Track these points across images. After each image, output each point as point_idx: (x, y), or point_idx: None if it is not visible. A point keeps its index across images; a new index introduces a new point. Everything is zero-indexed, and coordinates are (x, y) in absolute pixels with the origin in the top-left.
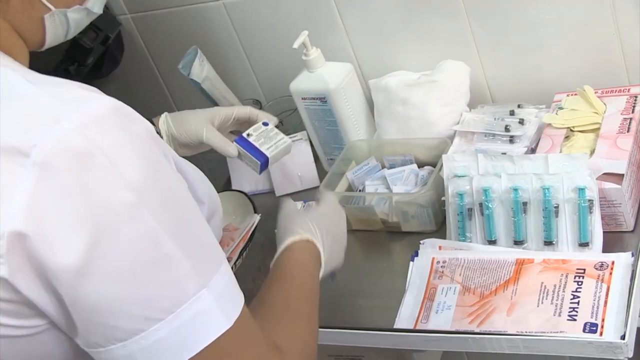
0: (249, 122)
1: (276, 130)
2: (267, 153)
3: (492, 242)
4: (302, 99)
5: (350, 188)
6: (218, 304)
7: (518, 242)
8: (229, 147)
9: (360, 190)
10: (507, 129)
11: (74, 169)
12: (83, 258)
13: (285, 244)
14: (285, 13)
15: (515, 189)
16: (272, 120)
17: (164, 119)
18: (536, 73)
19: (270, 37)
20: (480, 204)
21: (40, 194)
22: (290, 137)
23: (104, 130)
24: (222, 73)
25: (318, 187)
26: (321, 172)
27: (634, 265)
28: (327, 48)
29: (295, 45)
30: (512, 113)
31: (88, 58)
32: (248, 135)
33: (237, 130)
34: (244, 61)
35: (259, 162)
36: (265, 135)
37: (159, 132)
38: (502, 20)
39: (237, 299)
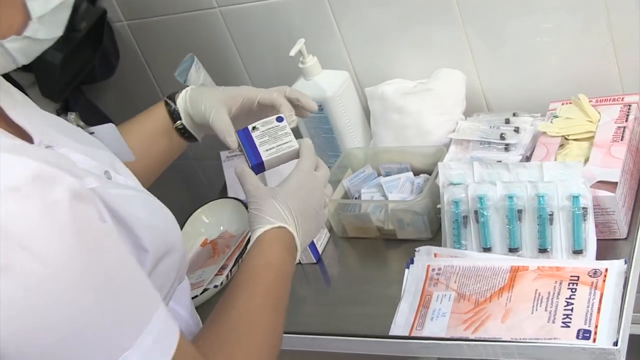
0: (274, 111)
1: (288, 130)
2: (263, 156)
3: (487, 250)
4: None
5: (346, 195)
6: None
7: (513, 250)
8: (230, 138)
9: (356, 198)
10: (502, 137)
11: None
12: None
13: (256, 236)
14: (281, 21)
15: (510, 197)
16: (291, 117)
17: (183, 95)
18: (531, 81)
19: (267, 45)
20: (476, 212)
21: None
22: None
23: (12, 201)
24: (219, 81)
25: None
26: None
27: (627, 273)
28: (323, 56)
29: (292, 53)
30: (507, 121)
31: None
32: (254, 129)
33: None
34: (240, 68)
35: (250, 165)
36: (272, 134)
37: (177, 110)
38: (499, 29)
39: (171, 341)
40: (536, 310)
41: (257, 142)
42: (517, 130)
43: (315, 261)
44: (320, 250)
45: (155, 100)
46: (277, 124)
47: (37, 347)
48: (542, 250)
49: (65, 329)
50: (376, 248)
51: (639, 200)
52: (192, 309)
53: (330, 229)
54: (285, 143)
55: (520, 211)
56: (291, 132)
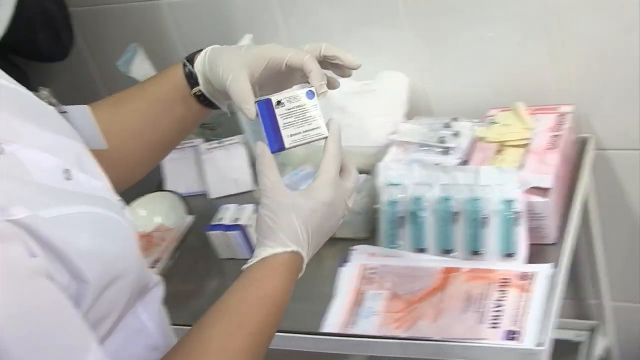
0: (304, 76)
1: (318, 111)
2: (287, 142)
3: (422, 251)
4: None
5: None
6: None
7: (447, 252)
8: (247, 106)
9: None
10: (442, 141)
11: None
12: None
13: (263, 255)
14: (228, 16)
15: (447, 199)
16: (322, 87)
17: (202, 58)
18: (472, 88)
19: (213, 40)
20: (413, 213)
21: None
22: (228, 141)
23: None
24: None
25: (253, 191)
26: (257, 177)
27: (555, 277)
28: None
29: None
30: (447, 126)
31: None
32: (279, 104)
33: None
34: (179, 56)
35: (268, 147)
36: (300, 115)
37: (195, 75)
38: (444, 36)
39: None
40: (467, 311)
41: (281, 123)
42: (456, 134)
43: (250, 257)
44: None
45: (96, 90)
46: (307, 101)
47: None
48: (475, 252)
49: None
50: None
51: (569, 208)
52: (162, 317)
53: None
54: (313, 129)
55: (456, 214)
56: (321, 114)
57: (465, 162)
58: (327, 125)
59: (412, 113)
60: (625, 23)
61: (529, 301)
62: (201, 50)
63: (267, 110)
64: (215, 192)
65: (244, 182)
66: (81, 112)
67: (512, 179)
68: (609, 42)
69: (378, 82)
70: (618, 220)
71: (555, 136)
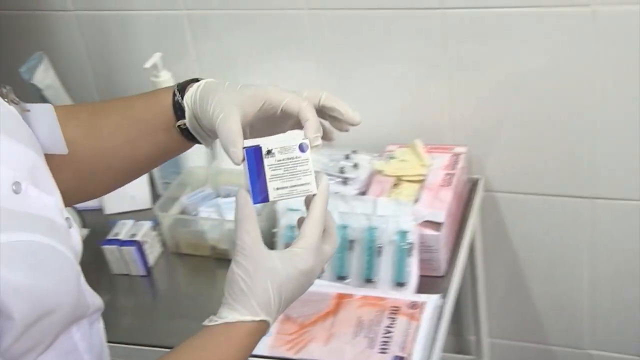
0: (298, 122)
1: (309, 165)
2: (271, 195)
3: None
4: None
5: (183, 212)
6: None
7: (341, 278)
8: (234, 149)
9: (193, 215)
10: (341, 171)
11: None
12: None
13: (231, 320)
14: (137, 32)
15: (344, 227)
16: (315, 140)
17: (193, 91)
18: (373, 123)
19: (121, 56)
20: None
21: None
22: None
23: None
24: (66, 84)
25: (150, 209)
26: (154, 195)
27: (442, 307)
28: (176, 73)
29: (147, 65)
30: (347, 157)
31: None
32: (268, 153)
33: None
34: (87, 76)
35: (251, 198)
36: (290, 167)
37: (181, 105)
38: (348, 70)
39: None
40: (357, 336)
41: (268, 174)
42: (355, 166)
43: (144, 274)
44: (151, 263)
45: None
46: (299, 154)
47: None
48: (368, 280)
49: None
50: (208, 267)
51: (458, 243)
52: (96, 336)
53: (164, 244)
54: (302, 185)
55: (352, 241)
56: (312, 170)
57: (363, 193)
58: (317, 181)
59: None
60: (517, 73)
61: (417, 329)
62: (196, 80)
63: (254, 158)
64: (111, 208)
65: (142, 199)
66: (44, 111)
67: (407, 212)
68: (501, 90)
69: None
70: (500, 259)
71: (449, 174)
